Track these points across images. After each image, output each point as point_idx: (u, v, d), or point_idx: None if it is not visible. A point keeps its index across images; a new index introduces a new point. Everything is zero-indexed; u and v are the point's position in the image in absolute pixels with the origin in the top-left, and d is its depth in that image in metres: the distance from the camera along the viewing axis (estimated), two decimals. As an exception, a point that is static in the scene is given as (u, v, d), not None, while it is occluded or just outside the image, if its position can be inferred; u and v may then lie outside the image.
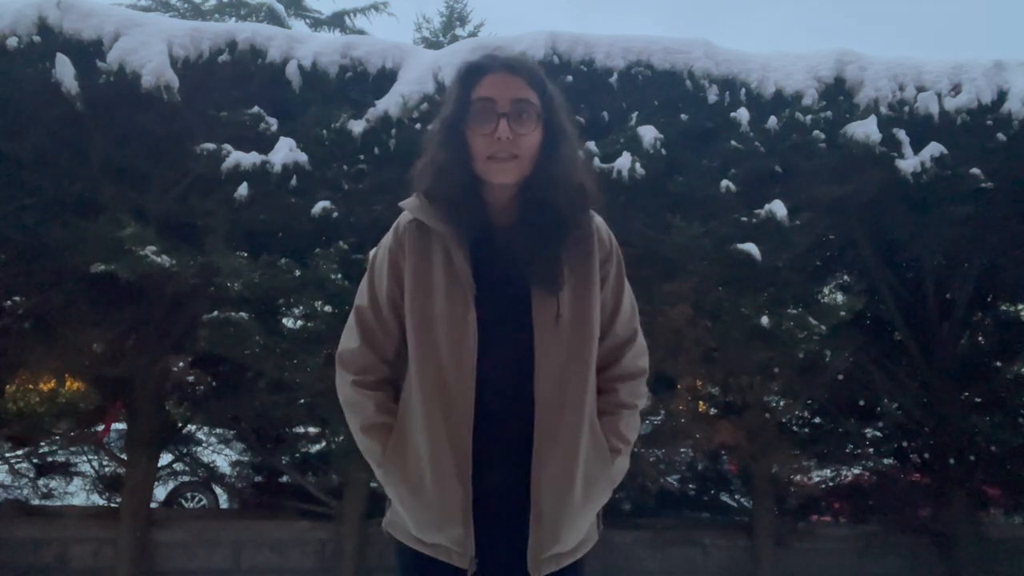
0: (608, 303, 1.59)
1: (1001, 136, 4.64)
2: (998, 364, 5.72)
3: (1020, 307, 5.86)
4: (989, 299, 5.81)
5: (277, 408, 4.88)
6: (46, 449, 5.68)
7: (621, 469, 1.58)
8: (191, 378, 4.96)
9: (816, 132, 4.53)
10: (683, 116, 4.66)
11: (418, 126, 4.45)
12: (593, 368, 1.53)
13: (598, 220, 1.60)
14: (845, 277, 5.77)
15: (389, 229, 1.60)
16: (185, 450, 5.93)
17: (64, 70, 4.19)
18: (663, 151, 4.42)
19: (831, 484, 6.16)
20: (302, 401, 4.89)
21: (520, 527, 1.46)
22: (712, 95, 4.70)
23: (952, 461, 5.40)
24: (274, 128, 4.52)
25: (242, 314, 4.28)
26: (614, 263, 1.60)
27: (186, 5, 15.52)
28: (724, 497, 6.16)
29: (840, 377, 5.41)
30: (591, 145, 4.48)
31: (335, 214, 4.30)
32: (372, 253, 1.63)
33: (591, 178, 1.59)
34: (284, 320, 4.82)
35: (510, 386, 1.48)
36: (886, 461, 6.07)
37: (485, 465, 1.47)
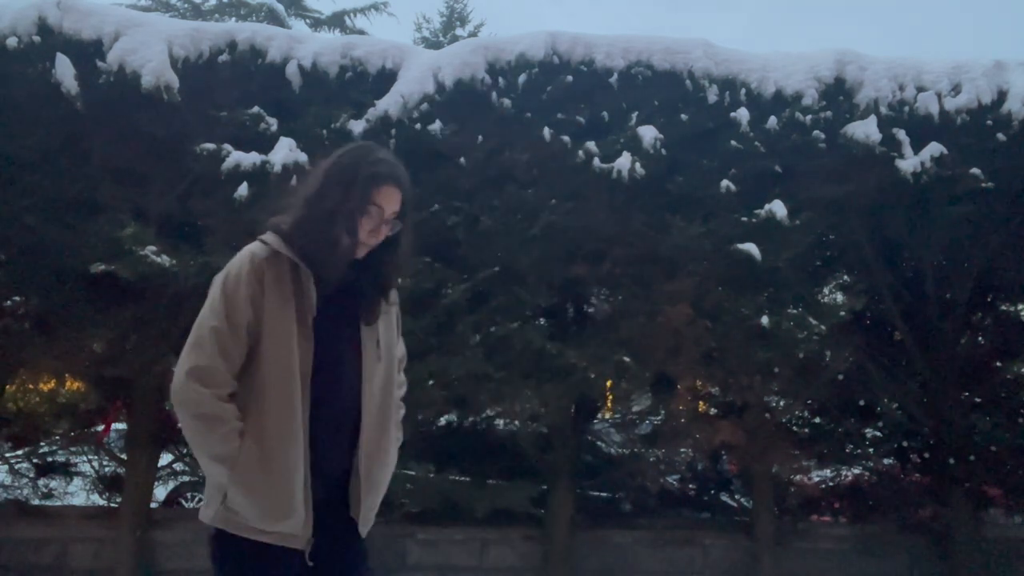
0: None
1: (1001, 136, 4.64)
2: (998, 364, 5.71)
3: (1020, 307, 5.85)
4: (989, 299, 5.80)
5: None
6: (46, 449, 5.68)
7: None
8: (191, 378, 4.94)
9: (816, 132, 4.53)
10: (683, 116, 4.67)
11: (418, 126, 4.45)
12: (396, 377, 2.06)
13: None
14: (845, 277, 5.75)
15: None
16: (185, 450, 5.90)
17: (64, 70, 4.19)
18: (663, 151, 4.42)
19: (831, 484, 6.15)
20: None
21: (345, 503, 1.88)
22: (712, 95, 4.70)
23: (952, 461, 5.39)
24: (274, 128, 4.52)
25: (242, 314, 4.27)
26: (396, 309, 2.12)
27: (186, 5, 15.54)
28: (724, 497, 6.16)
29: (840, 377, 5.40)
30: (591, 145, 4.48)
31: (335, 214, 4.29)
32: (221, 278, 1.87)
33: (408, 253, 2.04)
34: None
35: (345, 390, 1.89)
36: (886, 461, 6.06)
37: (323, 456, 1.83)
